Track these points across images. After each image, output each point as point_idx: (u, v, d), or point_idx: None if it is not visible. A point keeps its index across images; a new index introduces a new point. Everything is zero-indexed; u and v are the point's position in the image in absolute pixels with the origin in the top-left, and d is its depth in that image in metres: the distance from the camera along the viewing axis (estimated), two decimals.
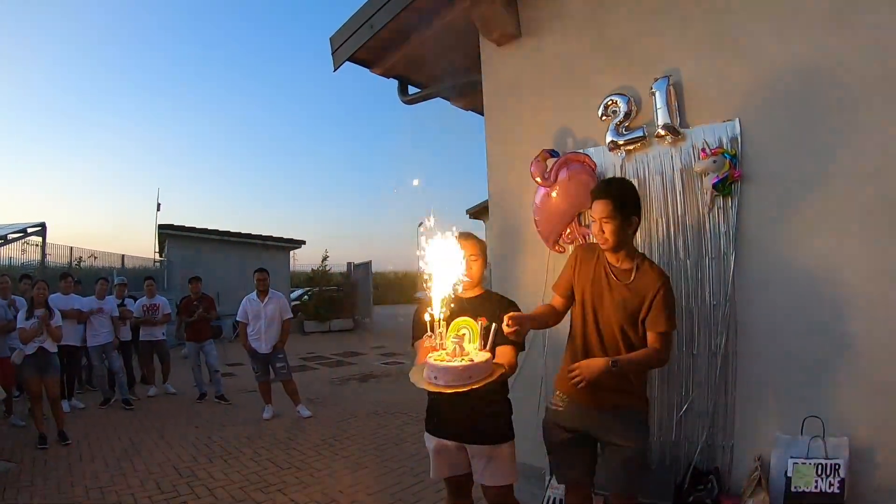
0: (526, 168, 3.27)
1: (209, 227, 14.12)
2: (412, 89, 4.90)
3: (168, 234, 13.78)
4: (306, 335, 14.20)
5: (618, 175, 2.97)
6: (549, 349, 3.19)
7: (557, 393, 2.23)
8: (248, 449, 4.51)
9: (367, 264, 15.96)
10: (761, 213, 2.56)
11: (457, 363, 1.79)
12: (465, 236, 2.23)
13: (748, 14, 2.62)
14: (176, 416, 5.76)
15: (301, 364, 9.17)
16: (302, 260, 18.65)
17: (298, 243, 16.50)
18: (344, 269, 17.59)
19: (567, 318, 2.31)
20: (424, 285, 2.02)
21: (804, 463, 2.28)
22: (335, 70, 4.36)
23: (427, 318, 1.93)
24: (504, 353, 2.04)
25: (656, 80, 2.77)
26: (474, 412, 2.11)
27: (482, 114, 5.36)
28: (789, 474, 2.29)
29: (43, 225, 8.16)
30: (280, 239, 15.96)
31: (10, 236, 8.05)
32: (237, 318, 5.95)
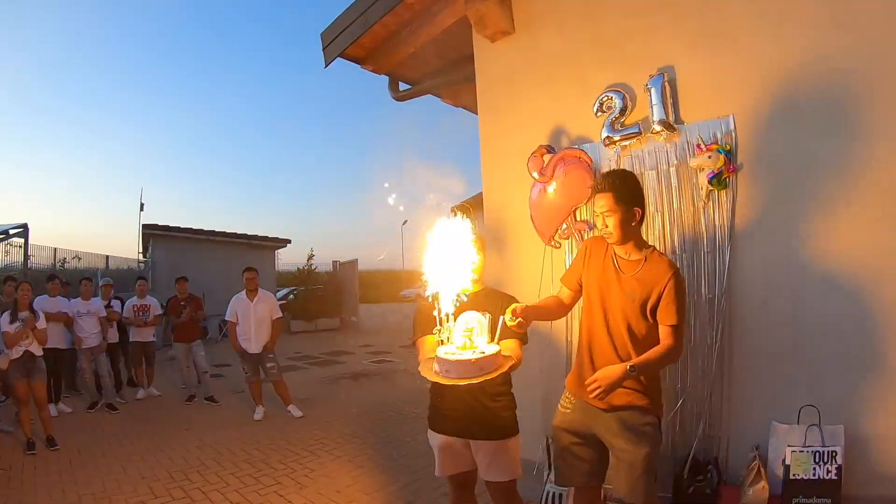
0: (520, 164, 3.28)
1: (194, 227, 13.97)
2: (403, 86, 4.89)
3: (152, 234, 13.59)
4: (293, 334, 14.08)
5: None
6: (548, 342, 3.21)
7: (566, 394, 2.21)
8: (240, 451, 4.45)
9: (353, 262, 15.88)
10: (756, 207, 2.61)
11: (468, 356, 1.79)
12: None
13: (742, 11, 2.66)
14: (166, 419, 5.65)
15: (290, 364, 9.08)
16: (287, 259, 18.46)
17: (284, 242, 16.35)
18: (329, 267, 17.47)
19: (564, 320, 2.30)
20: (424, 282, 2.02)
21: (801, 451, 2.33)
22: (326, 66, 4.32)
23: (435, 313, 1.92)
24: (509, 347, 2.04)
25: (651, 76, 2.80)
26: (480, 408, 2.11)
27: (473, 111, 5.40)
28: (787, 462, 2.34)
29: (25, 226, 7.92)
30: (265, 238, 15.81)
31: None
32: (226, 318, 5.86)
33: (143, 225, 14.56)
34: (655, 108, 2.77)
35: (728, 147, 2.61)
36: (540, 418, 3.10)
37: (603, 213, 2.00)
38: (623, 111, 2.91)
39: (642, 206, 2.03)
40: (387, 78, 4.79)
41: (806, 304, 2.49)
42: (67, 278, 6.98)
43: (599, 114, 3.01)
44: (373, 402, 6.16)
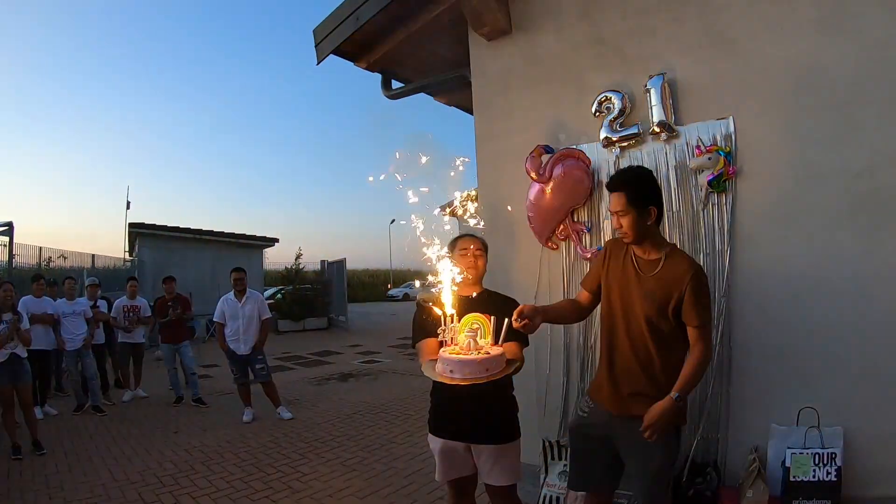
0: (517, 164, 3.25)
1: (181, 226, 13.81)
2: (396, 84, 4.83)
3: (139, 233, 13.41)
4: (281, 334, 13.95)
5: (612, 171, 2.98)
6: (543, 344, 3.18)
7: (586, 398, 2.18)
8: (230, 454, 4.37)
9: (342, 262, 15.77)
10: (755, 209, 2.60)
11: (474, 355, 1.77)
12: (469, 235, 2.28)
13: (741, 13, 2.66)
14: (153, 422, 5.55)
15: (278, 364, 8.98)
16: (275, 258, 18.31)
17: (272, 241, 16.20)
18: (318, 267, 17.34)
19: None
20: (426, 284, 2.00)
21: (801, 453, 2.34)
22: (318, 63, 4.25)
23: (439, 313, 1.90)
24: (510, 349, 2.02)
25: (651, 77, 2.79)
26: (483, 411, 2.09)
27: (466, 110, 5.37)
28: (787, 464, 2.34)
29: (10, 224, 7.72)
30: (253, 237, 15.68)
31: None
32: (214, 319, 5.77)
33: (129, 223, 14.42)
34: (655, 109, 2.76)
35: (728, 149, 2.60)
36: (535, 421, 3.08)
37: (617, 212, 1.94)
38: (622, 112, 2.89)
39: (658, 204, 1.95)
40: (379, 76, 4.73)
41: (805, 306, 2.49)
42: (53, 278, 6.81)
43: (598, 114, 2.99)
44: (363, 402, 6.10)
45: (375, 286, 34.59)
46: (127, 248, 15.51)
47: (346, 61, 4.40)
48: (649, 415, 1.84)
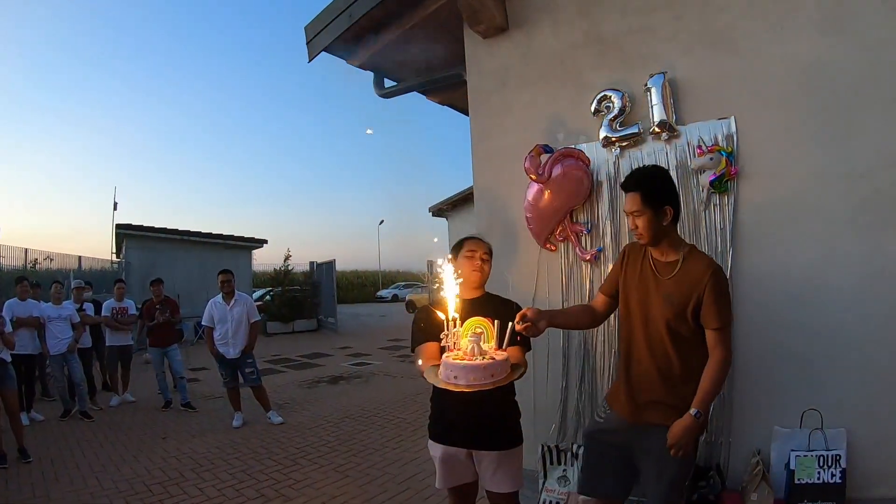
0: (513, 163, 3.21)
1: (168, 227, 13.68)
2: (388, 82, 4.76)
3: (126, 234, 13.24)
4: (270, 336, 13.79)
5: (611, 171, 2.95)
6: (543, 350, 3.13)
7: (604, 404, 2.13)
8: (220, 461, 4.26)
9: (331, 263, 15.64)
10: (757, 210, 2.58)
11: (478, 361, 1.71)
12: (476, 238, 2.22)
13: (742, 13, 2.64)
14: (141, 427, 5.41)
15: (268, 367, 8.85)
16: (263, 259, 18.13)
17: (260, 242, 16.04)
18: (306, 268, 17.19)
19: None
20: (429, 286, 1.94)
21: (806, 455, 2.32)
22: (310, 60, 4.17)
23: (441, 316, 1.83)
24: (513, 353, 1.96)
25: (651, 76, 2.75)
26: (486, 417, 2.03)
27: (459, 109, 5.32)
28: (792, 467, 2.32)
29: None
30: (241, 238, 15.53)
31: None
32: (203, 323, 5.65)
33: (116, 224, 14.26)
34: (655, 109, 2.73)
35: (730, 149, 2.58)
36: (533, 426, 3.02)
37: (632, 212, 1.89)
38: (622, 111, 2.86)
39: (675, 204, 1.89)
40: (371, 74, 4.66)
41: (807, 307, 2.47)
42: (39, 280, 6.66)
43: (597, 113, 2.96)
44: (354, 406, 6.01)
45: (364, 287, 34.42)
46: (114, 250, 15.28)
47: (338, 59, 4.34)
48: (672, 434, 1.80)
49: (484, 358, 1.75)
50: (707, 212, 2.67)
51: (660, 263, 1.94)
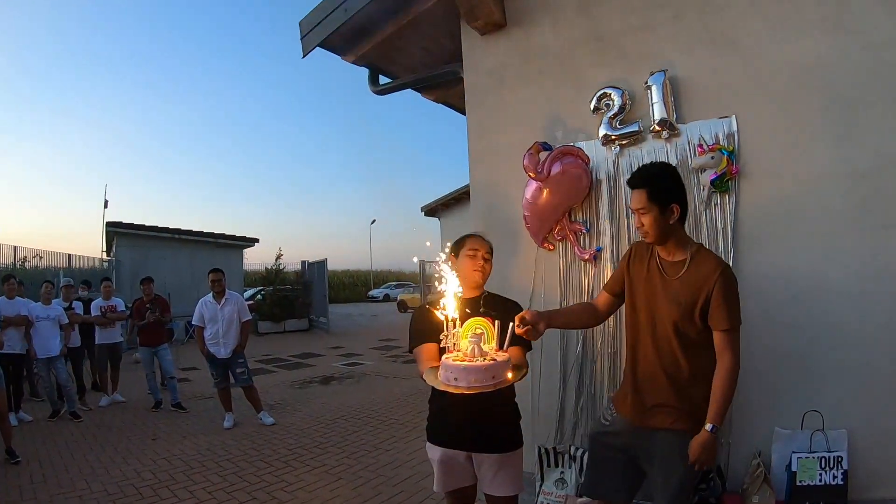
0: (510, 162, 3.16)
1: (159, 225, 13.58)
2: (383, 79, 4.70)
3: (116, 233, 13.13)
4: (261, 336, 13.68)
5: (611, 169, 2.92)
6: (540, 351, 3.10)
7: (610, 407, 2.10)
8: (211, 463, 4.19)
9: (323, 262, 15.54)
10: (758, 209, 2.56)
11: (479, 362, 1.66)
12: (479, 236, 2.18)
13: (743, 12, 2.62)
14: (131, 428, 5.31)
15: (259, 367, 8.76)
16: (255, 258, 18.02)
17: (252, 241, 15.93)
18: (298, 267, 17.07)
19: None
20: (437, 284, 1.89)
21: (807, 457, 2.30)
22: (304, 56, 4.11)
23: (441, 317, 1.79)
24: (514, 354, 1.92)
25: (652, 73, 2.72)
26: (486, 419, 1.98)
27: (455, 107, 5.27)
28: (794, 469, 2.30)
29: None
30: (233, 237, 15.43)
31: None
32: (193, 323, 5.56)
33: (107, 222, 14.13)
34: (656, 107, 2.70)
35: (731, 148, 2.55)
36: (530, 428, 2.98)
37: (638, 210, 1.84)
38: (622, 109, 2.83)
39: (682, 202, 1.84)
40: (366, 70, 4.60)
41: (808, 308, 2.45)
42: (29, 278, 6.55)
43: (596, 111, 2.93)
44: (346, 407, 5.94)
45: (356, 287, 34.29)
46: (104, 248, 15.11)
47: (333, 55, 4.28)
48: (692, 451, 1.76)
49: (485, 359, 1.70)
50: (708, 211, 2.65)
51: (667, 263, 1.90)
